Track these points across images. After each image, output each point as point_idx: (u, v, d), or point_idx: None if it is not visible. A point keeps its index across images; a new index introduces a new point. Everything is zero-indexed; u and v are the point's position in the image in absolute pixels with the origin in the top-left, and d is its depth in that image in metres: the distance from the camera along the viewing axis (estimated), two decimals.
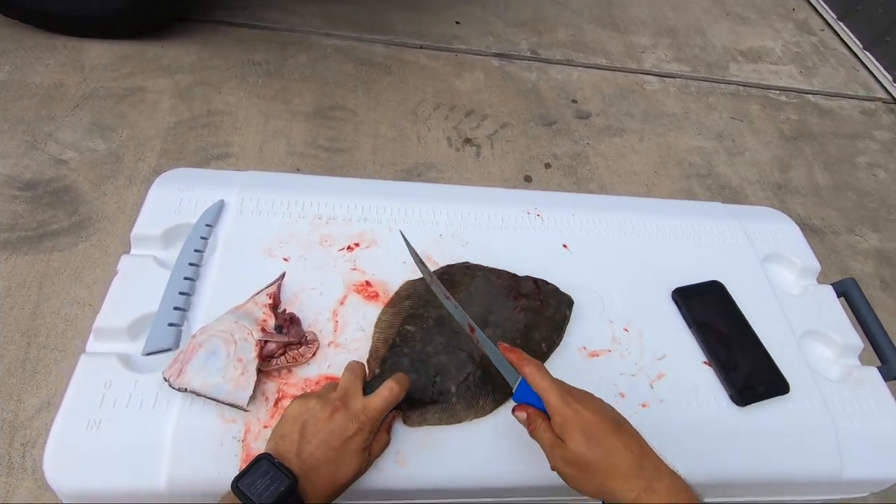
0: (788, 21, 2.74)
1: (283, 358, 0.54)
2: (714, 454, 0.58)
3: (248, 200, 0.68)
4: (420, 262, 0.57)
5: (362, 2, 2.11)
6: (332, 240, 0.66)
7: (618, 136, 1.92)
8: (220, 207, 0.67)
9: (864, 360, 0.71)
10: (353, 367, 0.51)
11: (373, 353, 0.57)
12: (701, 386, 0.62)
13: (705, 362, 0.64)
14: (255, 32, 1.90)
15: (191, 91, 1.66)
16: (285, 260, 0.63)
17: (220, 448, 0.50)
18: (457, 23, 2.17)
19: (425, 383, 0.55)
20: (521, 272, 0.66)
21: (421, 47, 2.03)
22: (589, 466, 0.43)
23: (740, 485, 0.60)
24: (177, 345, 0.55)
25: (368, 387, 0.50)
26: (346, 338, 0.59)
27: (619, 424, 0.44)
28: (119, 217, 1.35)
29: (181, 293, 0.58)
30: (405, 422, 0.54)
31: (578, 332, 0.64)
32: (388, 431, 0.52)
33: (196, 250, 0.62)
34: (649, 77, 2.20)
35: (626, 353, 0.63)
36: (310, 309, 0.60)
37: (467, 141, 1.76)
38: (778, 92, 2.31)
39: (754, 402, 0.61)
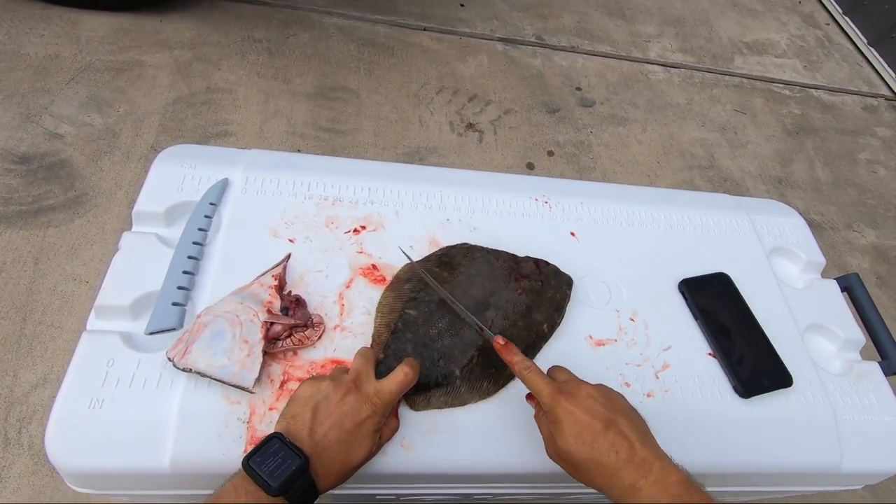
0: (794, 14, 2.72)
1: (288, 340, 0.54)
2: (717, 445, 0.58)
3: (252, 179, 0.67)
4: (438, 287, 0.58)
5: None
6: (338, 222, 0.65)
7: (621, 126, 1.91)
8: (224, 186, 0.66)
9: (864, 354, 0.71)
10: (365, 352, 0.51)
11: (375, 337, 0.57)
12: (705, 377, 0.62)
13: (710, 354, 0.64)
14: (256, 9, 1.86)
15: (190, 67, 1.63)
16: (291, 241, 0.62)
17: (225, 429, 0.49)
18: (461, 5, 2.13)
19: (429, 367, 0.54)
20: None
21: (425, 29, 1.99)
22: (577, 463, 0.44)
23: (741, 475, 0.60)
24: (181, 325, 0.54)
25: (375, 372, 0.50)
26: (352, 321, 0.58)
27: (609, 422, 0.44)
28: (116, 194, 1.33)
29: (185, 272, 0.57)
30: (411, 406, 0.53)
31: (585, 322, 0.64)
32: (398, 416, 0.52)
33: (200, 229, 0.61)
34: (654, 67, 2.18)
35: (631, 342, 0.63)
36: (316, 291, 0.59)
37: (470, 126, 1.75)
38: (781, 85, 2.29)
39: (758, 394, 0.61)
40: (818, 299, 0.73)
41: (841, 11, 2.73)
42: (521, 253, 0.66)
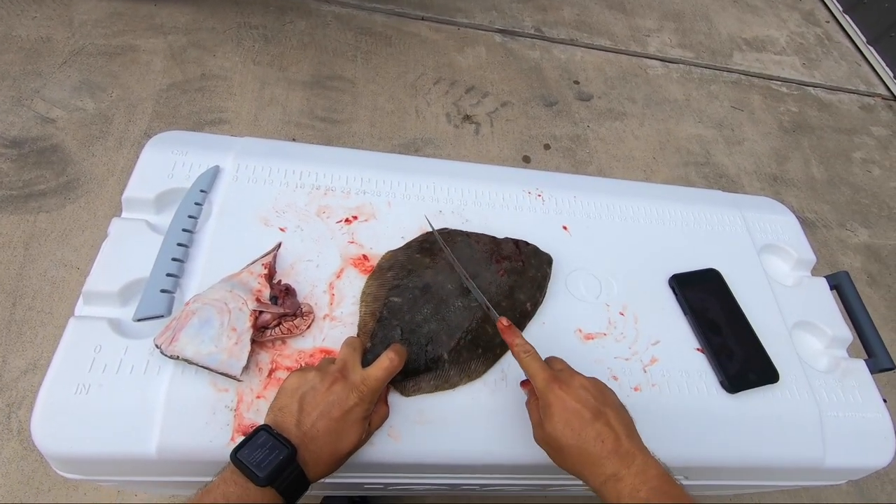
0: (795, 11, 2.71)
1: (277, 329, 0.54)
2: (702, 438, 0.59)
3: (244, 167, 0.66)
4: (455, 262, 0.58)
5: None
6: (329, 211, 0.65)
7: (618, 120, 1.91)
8: (215, 173, 0.65)
9: (852, 352, 0.72)
10: (352, 341, 0.51)
11: (361, 327, 0.57)
12: (692, 372, 0.63)
13: (698, 349, 0.65)
14: None
15: (184, 53, 1.61)
16: (282, 230, 0.62)
17: (213, 416, 0.49)
18: None
19: (417, 353, 0.55)
20: None
21: (423, 19, 1.98)
22: (563, 450, 0.45)
23: (725, 469, 0.61)
24: (169, 312, 0.54)
25: (362, 361, 0.50)
26: (342, 311, 0.58)
27: (598, 413, 0.45)
28: (108, 180, 1.32)
29: (174, 259, 0.57)
30: (401, 392, 0.54)
31: (575, 315, 0.64)
32: (387, 403, 0.52)
33: (190, 216, 0.60)
34: (653, 61, 2.18)
35: (620, 337, 0.64)
36: (306, 281, 0.59)
37: (467, 118, 1.74)
38: (779, 83, 2.29)
39: (744, 389, 0.62)
40: (807, 296, 0.74)
41: (841, 9, 2.73)
42: None
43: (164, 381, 0.50)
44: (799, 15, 2.70)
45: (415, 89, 1.76)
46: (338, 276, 0.60)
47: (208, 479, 0.42)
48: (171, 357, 0.49)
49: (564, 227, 0.71)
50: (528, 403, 0.51)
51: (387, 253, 0.62)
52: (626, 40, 2.21)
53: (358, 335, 0.56)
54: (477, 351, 0.56)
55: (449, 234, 0.65)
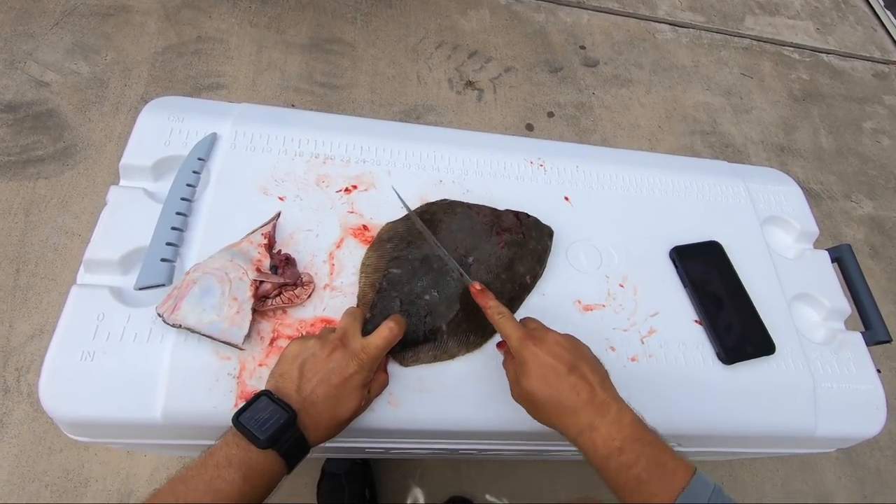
0: None
1: (278, 299, 0.54)
2: (696, 408, 0.60)
3: (242, 134, 0.65)
4: (421, 226, 0.58)
5: None
6: (329, 180, 0.65)
7: (624, 87, 1.86)
8: (212, 140, 0.64)
9: (850, 325, 0.73)
10: (353, 311, 0.51)
11: (361, 297, 0.57)
12: (690, 343, 0.63)
13: (696, 321, 0.65)
14: None
15: (179, 14, 1.56)
16: (281, 199, 0.62)
17: (216, 383, 0.50)
18: None
19: (416, 324, 0.55)
20: None
21: None
22: (540, 403, 0.46)
23: (718, 437, 0.62)
24: (170, 280, 0.54)
25: (362, 331, 0.51)
26: (342, 281, 0.58)
27: (573, 366, 0.46)
28: (106, 146, 1.31)
29: (173, 228, 0.56)
30: (400, 363, 0.54)
31: (574, 287, 0.64)
32: (387, 371, 0.53)
33: (188, 185, 0.60)
34: (662, 25, 2.11)
35: (619, 308, 0.64)
36: (305, 250, 0.59)
37: (469, 84, 1.70)
38: (792, 49, 2.23)
39: (740, 360, 0.62)
40: (808, 269, 0.74)
41: None
42: None
43: (167, 349, 0.51)
44: None
45: (416, 53, 1.71)
46: (337, 246, 0.60)
47: (213, 442, 0.43)
48: (173, 326, 0.49)
49: (566, 198, 0.71)
50: (504, 363, 0.52)
51: (386, 224, 0.62)
52: (635, 3, 2.14)
53: (357, 306, 0.56)
54: (476, 321, 0.57)
55: (450, 206, 0.64)
